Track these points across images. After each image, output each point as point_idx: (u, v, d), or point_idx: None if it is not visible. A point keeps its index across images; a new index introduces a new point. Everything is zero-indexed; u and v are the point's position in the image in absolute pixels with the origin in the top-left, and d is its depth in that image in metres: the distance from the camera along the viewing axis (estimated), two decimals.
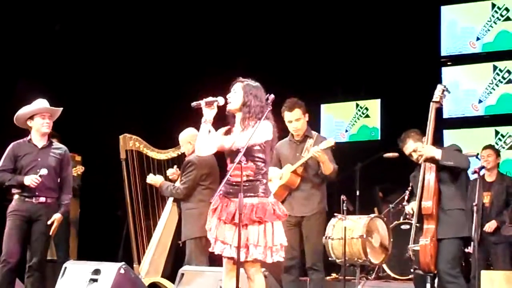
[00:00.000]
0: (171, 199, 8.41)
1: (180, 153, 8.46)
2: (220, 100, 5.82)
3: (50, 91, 11.12)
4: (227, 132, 5.90)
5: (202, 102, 5.81)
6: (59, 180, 7.77)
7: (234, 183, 5.67)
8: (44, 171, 7.53)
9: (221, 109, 5.90)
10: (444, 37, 11.42)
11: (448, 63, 11.39)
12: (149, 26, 12.25)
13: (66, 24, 12.05)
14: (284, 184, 7.46)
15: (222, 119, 5.97)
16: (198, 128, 5.96)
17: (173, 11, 12.16)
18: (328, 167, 7.35)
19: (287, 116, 7.46)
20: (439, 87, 6.97)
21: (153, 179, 8.20)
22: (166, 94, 12.38)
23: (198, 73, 12.30)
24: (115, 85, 12.25)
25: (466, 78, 11.24)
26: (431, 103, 6.91)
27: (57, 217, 7.67)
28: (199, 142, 5.86)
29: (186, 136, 8.13)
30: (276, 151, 7.39)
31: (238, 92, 5.82)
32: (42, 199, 7.59)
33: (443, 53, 11.41)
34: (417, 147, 6.94)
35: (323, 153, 7.26)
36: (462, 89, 11.15)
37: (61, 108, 7.81)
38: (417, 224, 6.80)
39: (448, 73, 11.29)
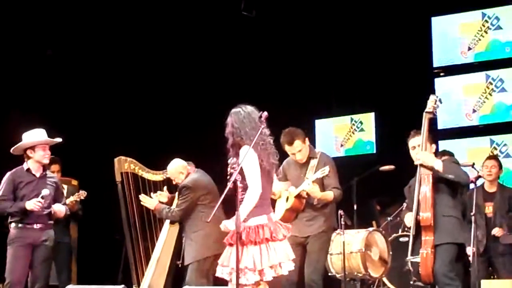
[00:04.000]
0: (167, 223, 8.42)
1: None
2: None
3: (43, 116, 11.16)
4: None
5: None
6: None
7: None
8: (46, 192, 7.65)
9: None
10: (436, 48, 11.42)
11: (441, 74, 11.40)
12: (141, 49, 12.28)
13: (57, 49, 12.06)
14: (289, 208, 7.44)
15: None
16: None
17: (165, 35, 12.18)
18: (326, 198, 7.36)
19: (288, 149, 7.46)
20: (432, 98, 7.06)
21: (147, 201, 8.25)
22: (160, 116, 12.40)
23: (190, 96, 12.33)
24: (109, 109, 12.26)
25: (459, 88, 11.24)
26: (424, 114, 6.99)
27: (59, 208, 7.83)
28: None
29: (176, 167, 8.28)
30: (283, 168, 7.53)
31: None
32: (42, 225, 7.65)
33: (435, 64, 11.41)
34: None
35: (316, 187, 7.25)
36: (455, 99, 11.15)
37: (60, 139, 7.93)
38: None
39: (441, 83, 11.29)
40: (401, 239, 9.38)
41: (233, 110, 6.04)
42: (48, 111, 11.51)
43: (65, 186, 9.46)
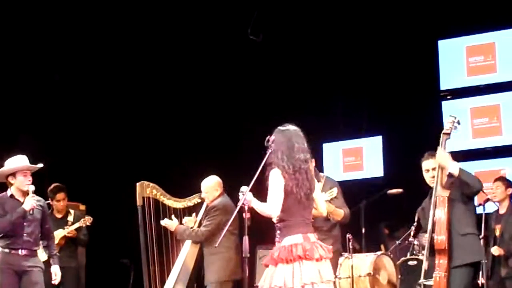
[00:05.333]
0: (187, 245, 8.35)
1: (196, 203, 8.54)
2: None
3: (51, 141, 11.18)
4: None
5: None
6: (40, 232, 7.83)
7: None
8: (32, 188, 7.64)
9: None
10: (443, 71, 11.42)
11: (448, 97, 11.39)
12: (149, 72, 12.32)
13: (65, 74, 12.10)
14: None
15: None
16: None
17: (173, 59, 12.22)
18: (338, 214, 7.34)
19: None
20: (450, 118, 6.89)
21: (168, 222, 8.25)
22: (174, 143, 12.39)
23: (198, 119, 12.33)
24: (118, 134, 12.27)
25: (467, 111, 11.21)
26: (442, 135, 6.84)
27: (57, 271, 7.84)
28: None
29: (213, 183, 8.27)
30: None
31: None
32: (27, 252, 7.61)
33: (442, 87, 11.40)
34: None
35: (329, 204, 7.23)
36: (463, 122, 11.02)
37: (42, 165, 7.87)
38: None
39: (448, 106, 11.26)
40: (409, 263, 9.33)
41: (277, 129, 6.05)
42: (56, 136, 11.54)
43: (72, 211, 9.47)
